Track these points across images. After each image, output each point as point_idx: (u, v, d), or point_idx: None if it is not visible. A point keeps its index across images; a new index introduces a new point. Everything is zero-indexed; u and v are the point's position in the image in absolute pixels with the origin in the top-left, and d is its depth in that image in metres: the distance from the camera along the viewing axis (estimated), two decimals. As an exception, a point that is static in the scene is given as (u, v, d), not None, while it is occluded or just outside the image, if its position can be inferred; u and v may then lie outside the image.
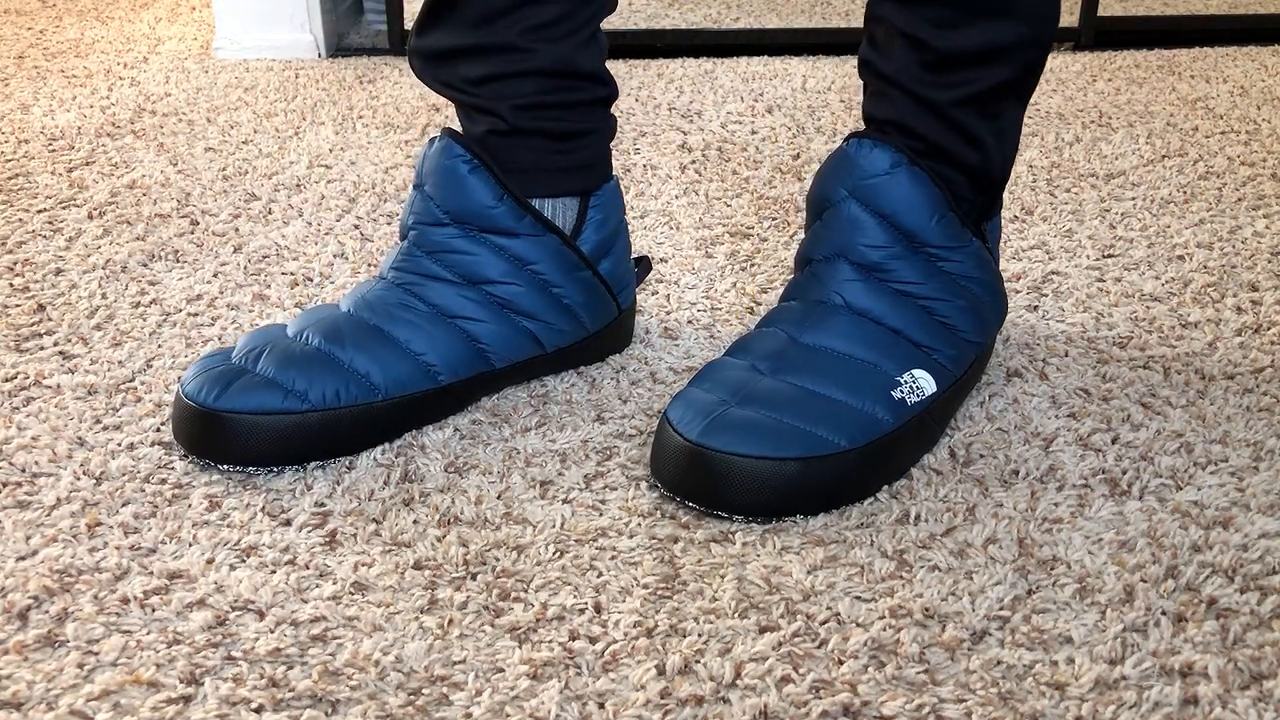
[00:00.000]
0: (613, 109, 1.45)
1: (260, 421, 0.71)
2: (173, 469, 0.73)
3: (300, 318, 0.79)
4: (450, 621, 0.61)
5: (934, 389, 0.73)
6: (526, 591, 0.63)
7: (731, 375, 0.73)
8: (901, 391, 0.72)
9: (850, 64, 1.64)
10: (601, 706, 0.56)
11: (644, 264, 0.90)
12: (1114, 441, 0.76)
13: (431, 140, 0.79)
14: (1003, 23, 0.73)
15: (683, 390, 0.73)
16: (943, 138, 0.76)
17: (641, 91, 1.53)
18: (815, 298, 0.76)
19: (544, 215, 0.79)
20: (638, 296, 0.96)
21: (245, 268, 1.02)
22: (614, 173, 0.85)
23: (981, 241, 0.79)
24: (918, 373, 0.73)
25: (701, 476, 0.68)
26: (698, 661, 0.59)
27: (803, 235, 0.82)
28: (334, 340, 0.75)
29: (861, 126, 1.19)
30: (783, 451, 0.67)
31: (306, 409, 0.72)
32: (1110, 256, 1.04)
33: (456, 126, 1.38)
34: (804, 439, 0.68)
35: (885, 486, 0.72)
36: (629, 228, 1.10)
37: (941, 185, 0.76)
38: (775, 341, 0.75)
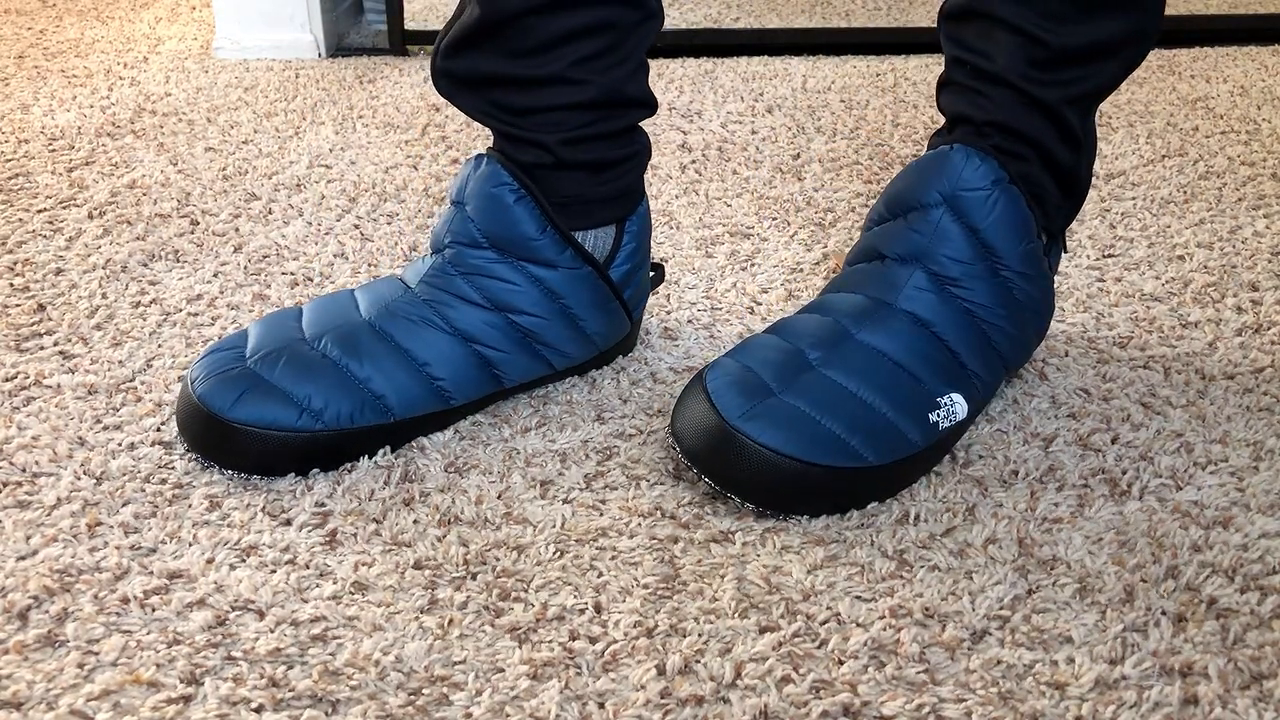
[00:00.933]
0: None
1: (271, 436, 0.71)
2: (173, 469, 0.73)
3: (316, 313, 0.77)
4: (450, 621, 0.61)
5: (964, 416, 0.73)
6: (526, 591, 0.63)
7: (777, 358, 0.71)
8: (937, 415, 0.71)
9: (851, 64, 1.64)
10: (601, 706, 0.56)
11: (659, 272, 0.89)
12: (1114, 441, 0.76)
13: (478, 159, 0.77)
14: (1119, 16, 0.71)
15: (724, 362, 0.71)
16: (1045, 136, 0.74)
17: (641, 91, 1.53)
18: (881, 296, 0.74)
19: (584, 248, 0.77)
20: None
21: (245, 268, 1.02)
22: (644, 200, 0.83)
23: (1050, 271, 0.77)
24: (955, 396, 0.72)
25: (726, 458, 0.67)
26: (698, 661, 0.59)
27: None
28: (352, 354, 0.74)
29: (877, 125, 1.18)
30: (814, 457, 0.67)
31: (319, 428, 0.72)
32: (1110, 256, 1.04)
33: (459, 126, 1.38)
34: (837, 449, 0.67)
35: (886, 487, 0.72)
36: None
37: (1035, 206, 0.75)
38: (830, 331, 0.73)
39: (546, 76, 0.74)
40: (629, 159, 0.79)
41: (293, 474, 0.72)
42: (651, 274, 0.89)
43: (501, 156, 0.76)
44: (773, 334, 0.74)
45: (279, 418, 0.71)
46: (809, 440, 0.67)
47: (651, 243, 1.06)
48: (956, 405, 0.72)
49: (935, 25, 1.83)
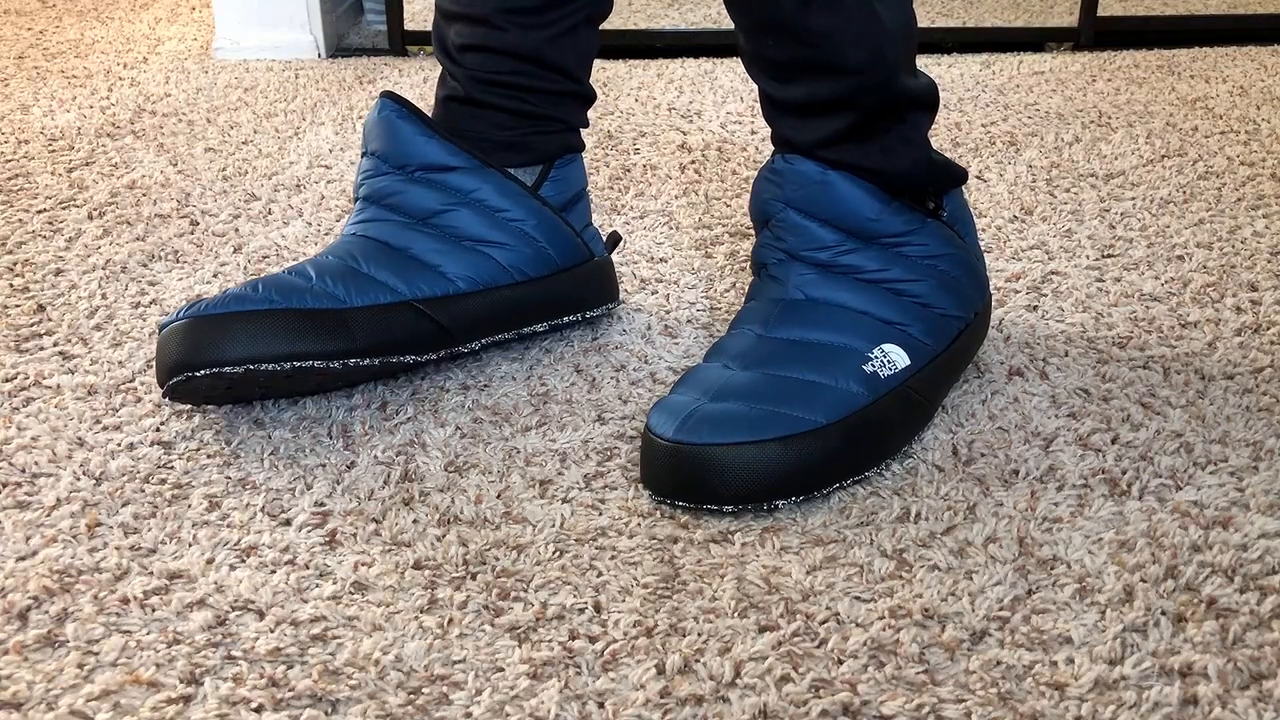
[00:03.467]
0: (612, 109, 1.45)
1: (233, 322, 0.73)
2: (172, 469, 0.73)
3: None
4: (450, 621, 0.61)
5: (907, 362, 0.74)
6: (526, 591, 0.63)
7: (704, 376, 0.73)
8: (873, 365, 0.73)
9: (850, 64, 1.64)
10: (601, 706, 0.56)
11: (613, 237, 0.92)
12: (1114, 441, 0.76)
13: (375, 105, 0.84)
14: (825, 80, 0.74)
15: (661, 399, 0.73)
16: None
17: (641, 91, 1.53)
18: (775, 296, 0.77)
19: (478, 152, 0.83)
20: (637, 297, 0.97)
21: (245, 268, 1.02)
22: (581, 153, 0.88)
23: (938, 219, 0.79)
24: (888, 347, 0.74)
25: (685, 473, 0.68)
26: (697, 661, 0.59)
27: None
28: (301, 274, 0.78)
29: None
30: (760, 435, 0.68)
31: (278, 308, 0.74)
32: (1110, 256, 1.04)
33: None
34: (780, 420, 0.69)
35: (886, 477, 0.72)
36: (627, 227, 1.10)
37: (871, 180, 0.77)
38: (744, 340, 0.76)
39: (476, 15, 0.82)
40: (545, 119, 0.85)
41: (291, 473, 0.72)
42: (606, 240, 0.92)
43: (389, 92, 0.83)
44: (705, 361, 0.76)
45: (234, 307, 0.74)
46: (750, 423, 0.68)
47: (627, 226, 1.06)
48: (892, 354, 0.74)
49: (933, 26, 1.83)
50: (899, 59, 0.75)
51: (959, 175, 0.81)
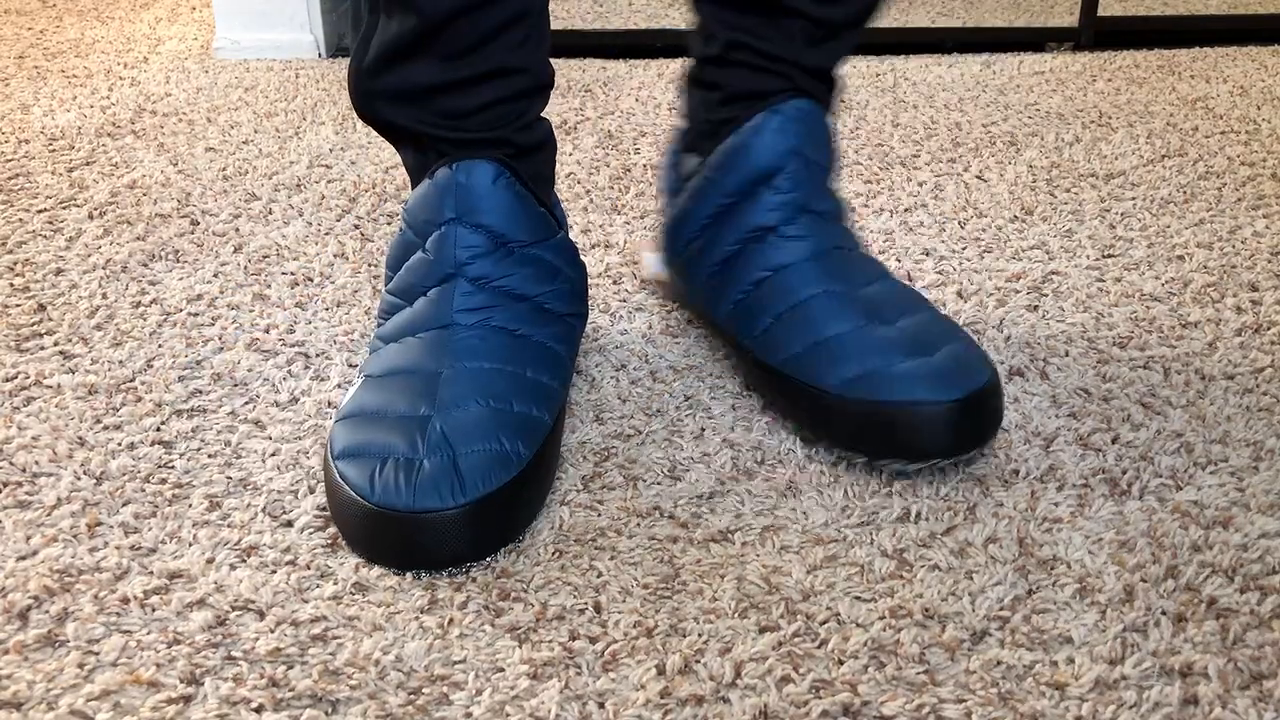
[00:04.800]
0: (612, 109, 1.45)
1: (498, 493, 0.65)
2: (172, 469, 0.73)
3: (407, 393, 0.70)
4: (450, 621, 0.61)
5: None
6: (526, 592, 0.63)
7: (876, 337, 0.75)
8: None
9: (850, 64, 1.64)
10: (601, 706, 0.56)
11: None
12: (1114, 441, 0.76)
13: (459, 168, 0.74)
14: None
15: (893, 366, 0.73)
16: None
17: (641, 91, 1.53)
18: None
19: (555, 216, 0.80)
20: (638, 297, 0.97)
21: (245, 268, 1.02)
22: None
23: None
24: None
25: (978, 427, 0.72)
26: (698, 661, 0.59)
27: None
28: (485, 394, 0.70)
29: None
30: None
31: (523, 464, 0.67)
32: (1110, 256, 1.04)
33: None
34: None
35: (888, 484, 0.72)
36: (628, 227, 1.10)
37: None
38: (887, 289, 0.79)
39: (489, 71, 0.73)
40: (549, 135, 0.81)
41: (293, 474, 0.72)
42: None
43: (502, 160, 0.74)
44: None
45: (499, 476, 0.65)
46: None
47: (629, 226, 1.06)
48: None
49: (935, 25, 1.83)
50: None
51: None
